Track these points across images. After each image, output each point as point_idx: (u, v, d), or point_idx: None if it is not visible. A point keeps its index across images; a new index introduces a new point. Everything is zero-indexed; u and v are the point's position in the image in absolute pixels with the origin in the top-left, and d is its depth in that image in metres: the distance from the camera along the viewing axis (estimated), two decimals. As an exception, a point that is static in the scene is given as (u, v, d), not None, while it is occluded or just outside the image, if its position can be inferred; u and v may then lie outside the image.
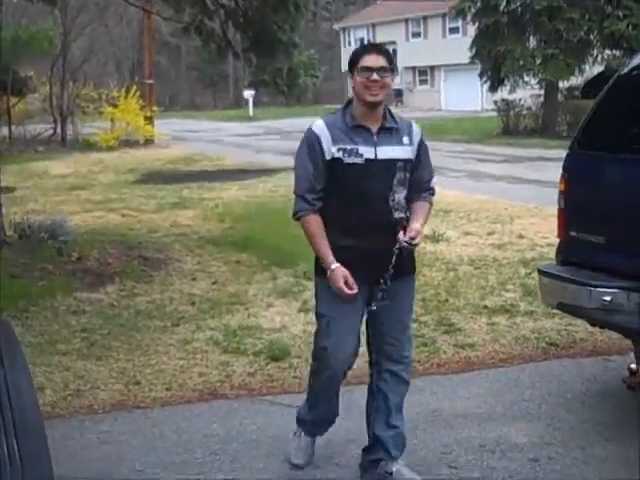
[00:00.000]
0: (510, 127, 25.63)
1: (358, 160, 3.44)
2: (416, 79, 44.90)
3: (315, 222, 3.48)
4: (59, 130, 24.78)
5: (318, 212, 3.49)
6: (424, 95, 43.36)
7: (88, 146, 23.42)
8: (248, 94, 40.90)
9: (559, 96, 25.70)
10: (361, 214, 3.46)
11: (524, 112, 25.72)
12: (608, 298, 4.10)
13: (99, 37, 34.82)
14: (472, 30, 26.80)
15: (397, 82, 45.58)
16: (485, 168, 16.84)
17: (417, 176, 3.60)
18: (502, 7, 24.27)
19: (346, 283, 3.41)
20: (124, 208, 11.98)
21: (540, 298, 5.18)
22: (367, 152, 3.45)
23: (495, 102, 26.16)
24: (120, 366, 5.29)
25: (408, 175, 3.54)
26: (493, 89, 25.68)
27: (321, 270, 3.53)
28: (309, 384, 3.87)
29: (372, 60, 3.44)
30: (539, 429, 4.27)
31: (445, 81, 42.74)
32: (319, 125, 3.50)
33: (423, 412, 4.50)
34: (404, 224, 3.51)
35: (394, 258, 3.45)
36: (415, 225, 3.48)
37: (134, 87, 25.52)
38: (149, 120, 24.93)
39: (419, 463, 3.88)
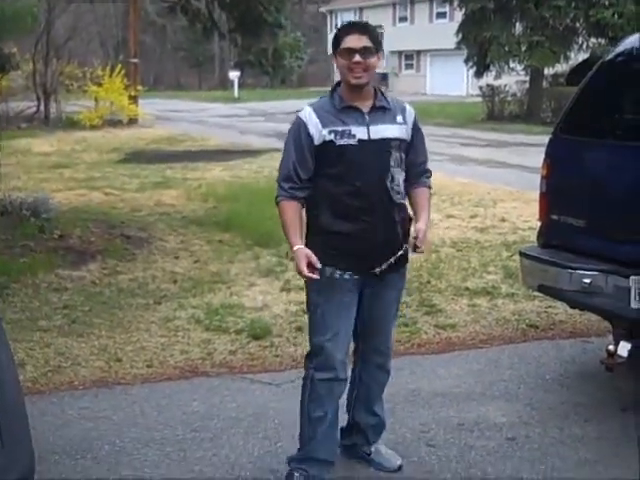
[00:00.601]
0: (495, 112, 25.67)
1: (351, 141, 3.29)
2: (402, 63, 44.82)
3: (288, 208, 3.33)
4: (42, 108, 24.56)
5: (297, 200, 3.35)
6: (410, 79, 43.30)
7: (72, 124, 23.24)
8: (233, 75, 40.67)
9: (544, 83, 25.75)
10: (357, 198, 3.30)
11: (509, 98, 25.77)
12: (588, 281, 4.15)
13: (84, 14, 34.50)
14: (459, 15, 26.77)
15: (383, 66, 45.53)
16: (469, 152, 16.88)
17: (412, 158, 3.47)
18: (489, -7, 24.24)
19: (309, 265, 3.22)
20: (107, 187, 11.93)
21: (521, 280, 5.22)
22: (360, 132, 3.30)
23: (480, 87, 26.18)
24: (101, 343, 5.29)
25: (404, 156, 3.41)
26: (479, 75, 25.70)
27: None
28: (302, 408, 3.52)
29: (354, 41, 3.27)
30: (517, 409, 4.31)
31: (431, 66, 42.70)
32: (306, 111, 3.36)
33: (402, 391, 4.53)
34: (406, 213, 3.44)
35: (399, 253, 3.36)
36: (420, 226, 3.37)
37: (119, 66, 25.27)
38: (133, 99, 24.74)
39: (398, 441, 3.92)
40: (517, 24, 24.53)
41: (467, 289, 6.51)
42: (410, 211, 3.53)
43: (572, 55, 24.25)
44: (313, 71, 52.15)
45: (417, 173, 3.51)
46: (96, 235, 8.16)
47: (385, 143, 3.34)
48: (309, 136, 3.31)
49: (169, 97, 39.20)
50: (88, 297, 6.25)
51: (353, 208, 3.31)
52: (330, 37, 48.59)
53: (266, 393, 4.51)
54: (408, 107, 3.49)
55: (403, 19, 44.09)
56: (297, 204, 3.36)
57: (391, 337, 3.65)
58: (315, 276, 3.24)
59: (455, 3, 25.79)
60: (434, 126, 23.29)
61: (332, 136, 3.30)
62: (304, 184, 3.35)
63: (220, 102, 36.51)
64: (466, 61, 26.11)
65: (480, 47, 24.51)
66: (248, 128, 23.12)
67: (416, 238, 3.37)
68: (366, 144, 3.31)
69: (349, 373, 3.59)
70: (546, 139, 4.87)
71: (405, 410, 4.29)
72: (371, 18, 45.54)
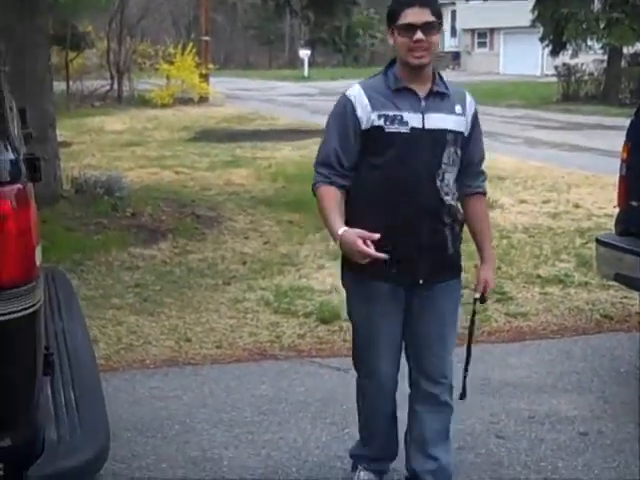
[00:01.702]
0: (570, 93, 25.09)
1: (402, 129, 2.88)
2: (474, 42, 44.10)
3: (326, 192, 2.92)
4: (115, 86, 24.97)
5: (336, 187, 2.93)
6: (482, 58, 42.59)
7: (143, 102, 23.56)
8: (303, 54, 40.65)
9: (622, 62, 25.03)
10: (403, 195, 2.90)
11: (585, 78, 25.15)
12: (668, 272, 4.02)
13: (157, -7, 34.83)
14: (534, -8, 26.15)
15: (455, 44, 44.92)
16: (542, 135, 16.52)
17: (468, 155, 3.04)
18: (567, -32, 23.62)
19: (365, 243, 2.71)
20: (178, 165, 12.06)
21: (596, 269, 5.10)
22: (413, 120, 2.89)
23: (556, 67, 25.60)
24: (172, 322, 5.35)
25: (459, 153, 2.99)
26: (554, 53, 25.10)
27: (348, 270, 3.04)
28: (358, 408, 3.34)
29: (415, 15, 2.83)
30: (590, 402, 4.22)
31: (505, 44, 41.88)
32: (355, 90, 2.96)
33: (472, 380, 4.42)
34: (456, 215, 3.04)
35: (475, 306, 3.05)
36: (488, 275, 3.06)
37: (190, 44, 25.50)
38: (204, 78, 24.95)
39: (467, 432, 3.87)
40: (595, 0, 23.86)
41: (539, 277, 6.38)
42: (461, 212, 3.12)
43: (653, 34, 23.48)
44: (385, 49, 51.68)
45: (472, 174, 3.10)
46: (167, 214, 8.27)
47: (440, 135, 2.93)
48: (356, 119, 2.91)
49: (239, 75, 39.43)
50: (159, 276, 6.34)
51: (397, 206, 2.91)
52: (402, 15, 48.14)
53: (334, 378, 4.50)
54: (469, 96, 3.08)
55: (476, -4, 43.28)
56: (336, 190, 2.93)
57: (447, 363, 3.14)
58: (383, 255, 2.72)
59: (531, -21, 25.19)
60: (507, 107, 22.94)
61: (382, 121, 2.89)
62: (346, 172, 2.95)
63: (290, 81, 36.56)
64: (541, 39, 25.50)
65: (556, 25, 23.91)
66: (318, 107, 23.06)
67: (485, 291, 3.07)
68: (419, 134, 2.89)
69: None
70: (624, 121, 4.73)
71: (475, 400, 4.20)
72: (444, -5, 44.99)
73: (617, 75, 24.16)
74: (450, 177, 2.98)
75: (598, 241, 4.74)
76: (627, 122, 4.76)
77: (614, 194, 4.89)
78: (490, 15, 40.39)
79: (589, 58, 24.68)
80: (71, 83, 23.99)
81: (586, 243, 7.19)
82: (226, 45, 52.55)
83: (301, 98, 26.76)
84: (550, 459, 3.64)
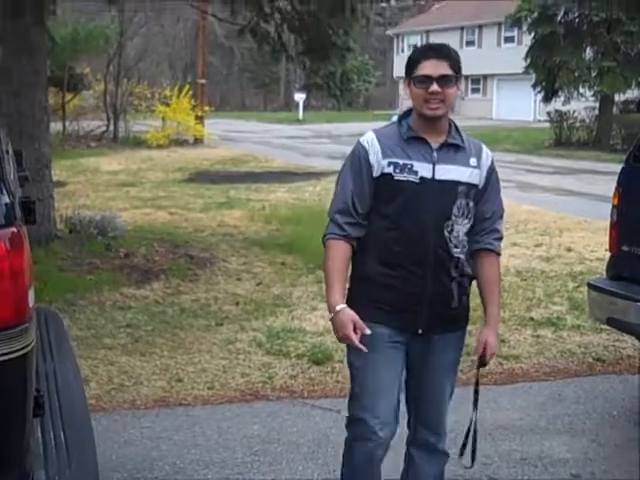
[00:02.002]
0: (562, 139, 25.34)
1: (411, 177, 2.87)
2: (468, 87, 44.58)
3: (336, 250, 2.90)
4: (111, 127, 25.14)
5: (349, 241, 2.92)
6: (476, 104, 43.01)
7: (138, 143, 23.73)
8: (299, 97, 41.01)
9: (614, 109, 25.34)
10: (409, 244, 2.88)
11: (577, 124, 25.41)
12: (659, 315, 4.03)
13: (154, 37, 35.23)
14: (528, 40, 26.55)
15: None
16: (535, 179, 16.67)
17: (481, 210, 2.98)
18: (559, 17, 24.03)
19: (354, 330, 2.80)
20: (172, 206, 12.11)
21: (588, 312, 5.11)
22: (423, 170, 2.88)
23: (548, 113, 25.88)
24: (163, 363, 5.33)
25: (472, 205, 2.95)
26: (547, 100, 25.42)
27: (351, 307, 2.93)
28: (342, 469, 3.21)
29: (431, 67, 2.86)
30: (583, 445, 4.21)
31: (498, 90, 42.39)
32: (368, 137, 2.96)
33: (464, 422, 4.44)
34: (465, 269, 2.98)
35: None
36: (490, 339, 2.96)
37: (186, 87, 25.75)
38: (200, 120, 25.16)
39: (459, 474, 3.84)
40: (587, 49, 24.23)
41: (531, 319, 6.40)
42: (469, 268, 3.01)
43: (644, 81, 23.83)
44: (379, 94, 52.25)
45: (485, 230, 3.00)
46: (160, 254, 8.28)
47: (451, 186, 2.90)
48: (369, 165, 2.91)
49: (234, 118, 39.73)
50: (151, 316, 6.33)
51: (403, 255, 2.89)
52: (396, 60, 48.75)
53: (326, 419, 4.48)
54: (485, 149, 3.04)
55: (470, 43, 43.89)
56: (347, 247, 2.92)
57: (444, 415, 3.15)
58: (363, 348, 2.80)
59: (524, 27, 25.58)
60: (502, 152, 23.07)
61: (391, 168, 2.89)
62: (360, 220, 2.92)
63: (284, 123, 36.83)
64: (534, 86, 25.84)
65: (549, 72, 24.27)
66: (312, 150, 23.25)
67: (484, 354, 2.98)
68: (429, 184, 2.87)
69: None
70: (615, 167, 4.78)
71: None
72: (438, 42, 45.34)
73: (609, 122, 24.44)
74: (460, 229, 2.94)
75: (590, 285, 4.76)
76: (618, 168, 4.82)
77: (606, 238, 4.93)
78: (483, 62, 40.98)
79: (581, 105, 24.97)
80: (67, 123, 24.16)
81: (578, 286, 7.21)
82: (222, 88, 53.03)
83: (295, 140, 26.98)
84: (542, 502, 3.63)
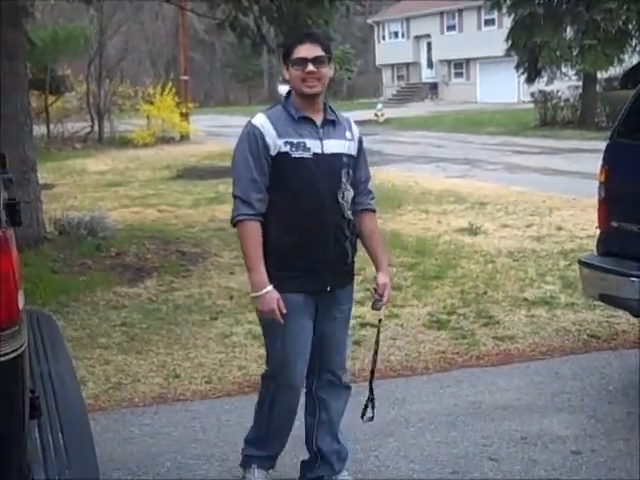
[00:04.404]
0: (547, 119, 25.38)
1: (306, 154, 3.19)
2: (451, 72, 44.61)
3: (252, 231, 3.18)
4: (96, 128, 25.03)
5: (259, 219, 3.19)
6: (459, 88, 43.05)
7: (124, 143, 23.63)
8: (283, 89, 40.88)
9: (597, 87, 25.38)
10: (311, 214, 3.20)
11: (562, 104, 25.45)
12: (651, 289, 4.05)
13: (135, 35, 35.09)
14: (508, 22, 26.53)
15: (432, 75, 45.41)
16: (522, 160, 16.69)
17: (358, 175, 3.38)
18: (538, -2, 24.01)
19: (277, 305, 3.17)
20: (161, 204, 12.08)
21: (581, 290, 5.13)
22: (314, 146, 3.21)
23: (532, 94, 25.92)
24: (160, 360, 5.33)
25: (352, 173, 3.33)
26: (530, 81, 25.42)
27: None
28: (261, 416, 3.53)
29: (306, 50, 3.19)
30: (581, 421, 4.22)
31: (481, 74, 42.39)
32: (261, 119, 3.25)
33: (462, 404, 4.48)
34: (355, 228, 3.35)
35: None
36: (383, 280, 3.35)
37: (170, 84, 25.65)
38: (185, 116, 25.08)
39: (460, 455, 3.86)
40: (568, 28, 24.23)
41: (525, 299, 6.42)
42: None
43: (626, 58, 23.84)
44: (362, 82, 52.17)
45: (362, 192, 3.41)
46: (152, 252, 8.26)
47: (338, 158, 3.27)
48: (265, 146, 3.19)
49: (219, 113, 39.61)
50: (146, 314, 6.32)
51: (306, 224, 3.20)
52: (378, 48, 48.72)
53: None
54: (353, 123, 3.45)
55: (451, 28, 43.89)
56: (259, 226, 3.20)
57: (344, 354, 3.53)
58: (282, 321, 3.17)
59: (504, 9, 25.56)
60: (486, 135, 23.19)
61: (288, 147, 3.19)
62: (264, 196, 3.20)
63: (270, 116, 36.68)
64: (517, 67, 25.84)
65: (531, 53, 24.25)
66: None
67: (381, 296, 3.35)
68: (320, 158, 3.22)
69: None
70: (601, 144, 4.79)
71: (466, 423, 4.23)
72: (418, 28, 45.60)
73: (593, 100, 24.47)
74: (349, 194, 3.31)
75: (581, 262, 4.78)
76: (604, 145, 4.83)
77: (595, 216, 4.94)
78: (465, 46, 40.99)
79: (564, 84, 25.01)
80: (52, 126, 24.04)
81: (570, 265, 7.24)
82: (205, 83, 52.84)
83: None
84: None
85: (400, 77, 47.77)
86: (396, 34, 47.71)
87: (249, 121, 3.31)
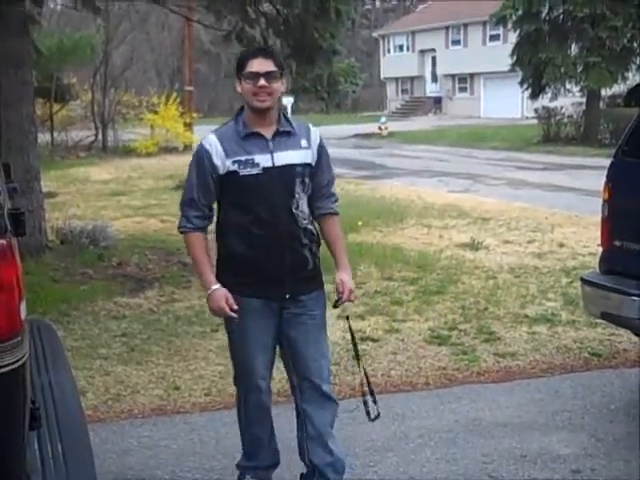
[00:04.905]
0: (551, 135, 25.39)
1: (255, 170, 3.25)
2: (455, 87, 44.68)
3: (196, 241, 3.35)
4: (100, 136, 25.07)
5: (200, 231, 3.35)
6: (463, 103, 43.11)
7: (128, 152, 23.66)
8: (287, 101, 40.97)
9: (601, 104, 25.41)
10: (264, 226, 3.27)
11: (565, 120, 25.47)
12: (653, 308, 4.04)
13: (140, 45, 35.21)
14: (513, 37, 26.63)
15: (436, 89, 45.50)
16: (525, 176, 16.69)
17: (318, 180, 3.42)
18: (543, 14, 24.06)
19: (227, 303, 3.27)
20: (164, 214, 12.07)
21: (582, 307, 5.12)
22: (264, 160, 3.27)
23: (536, 110, 25.95)
24: (160, 371, 5.32)
25: (308, 181, 3.36)
26: (534, 96, 25.48)
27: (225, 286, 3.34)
28: (241, 426, 3.63)
29: (258, 65, 3.23)
30: (582, 440, 4.21)
31: (485, 89, 42.46)
32: (210, 139, 3.31)
33: (462, 421, 4.46)
34: (313, 234, 3.40)
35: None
36: (344, 278, 3.41)
37: (174, 94, 25.71)
38: (188, 126, 25.11)
39: (459, 473, 3.85)
40: (573, 45, 24.30)
41: (526, 316, 6.40)
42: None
43: (630, 75, 23.89)
44: (366, 96, 52.26)
45: (323, 196, 3.45)
46: (153, 262, 8.26)
47: (290, 169, 3.31)
48: (213, 166, 3.28)
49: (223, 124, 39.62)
50: (146, 325, 6.31)
51: (260, 236, 3.28)
52: (383, 62, 48.82)
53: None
54: (312, 128, 3.45)
55: (456, 42, 43.97)
56: (202, 236, 3.36)
57: (324, 364, 3.50)
58: (235, 315, 3.27)
59: (509, 25, 25.65)
60: (490, 150, 23.20)
61: (236, 166, 3.26)
62: (207, 212, 3.35)
63: (274, 128, 36.74)
64: (521, 83, 25.89)
65: (535, 69, 24.33)
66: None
67: (342, 294, 3.40)
68: (271, 172, 3.27)
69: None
70: (604, 161, 4.79)
71: (466, 440, 4.21)
72: (423, 42, 45.69)
73: (596, 116, 24.49)
74: (303, 204, 3.36)
75: (583, 280, 4.77)
76: (607, 162, 4.83)
77: (597, 233, 4.93)
78: (470, 61, 41.07)
79: (568, 101, 25.04)
80: (56, 134, 24.08)
81: (572, 282, 7.23)
82: (210, 94, 52.96)
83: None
84: (543, 499, 3.62)
85: (404, 91, 47.88)
86: (401, 48, 47.81)
87: (201, 141, 3.38)
